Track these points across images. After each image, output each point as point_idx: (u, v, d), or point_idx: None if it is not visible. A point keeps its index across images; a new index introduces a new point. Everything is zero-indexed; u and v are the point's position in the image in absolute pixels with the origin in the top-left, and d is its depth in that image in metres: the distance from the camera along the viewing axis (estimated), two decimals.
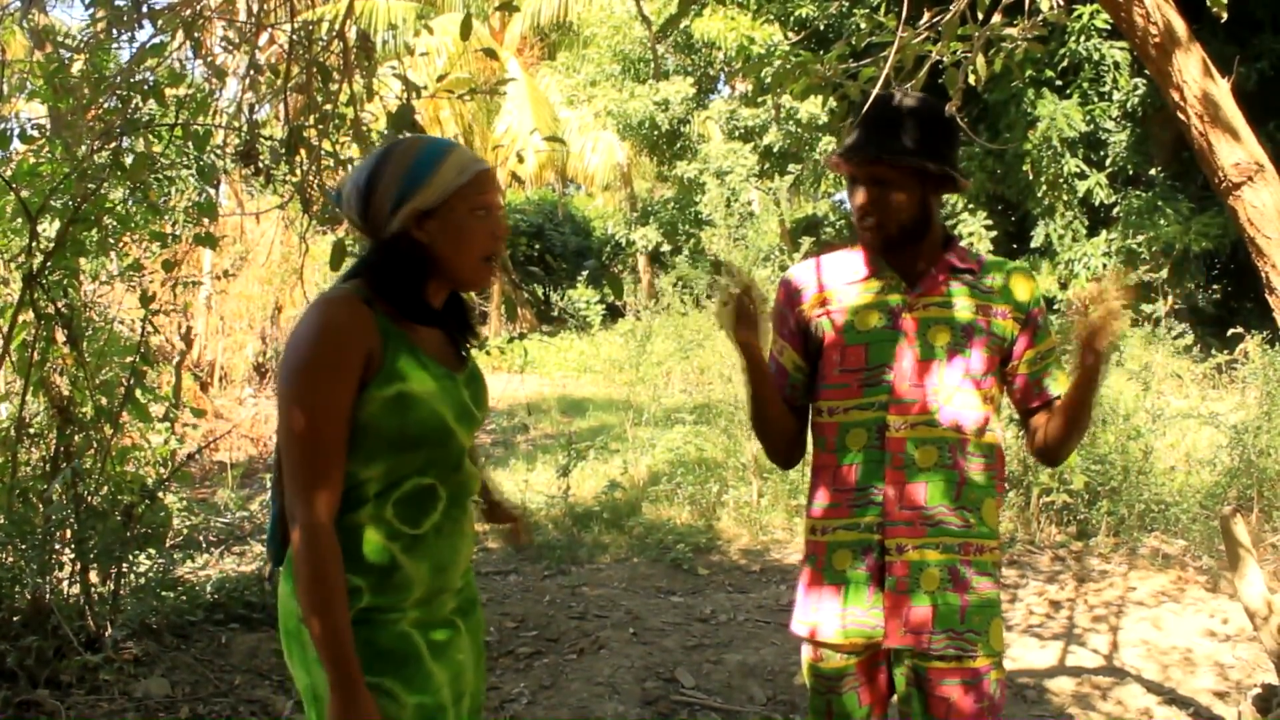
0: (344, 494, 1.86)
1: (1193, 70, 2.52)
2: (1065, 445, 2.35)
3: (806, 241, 10.10)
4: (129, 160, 3.91)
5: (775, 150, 20.72)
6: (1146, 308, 9.59)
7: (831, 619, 2.31)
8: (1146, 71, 2.70)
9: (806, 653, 2.41)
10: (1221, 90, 2.53)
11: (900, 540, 2.25)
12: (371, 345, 1.86)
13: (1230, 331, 8.12)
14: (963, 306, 2.31)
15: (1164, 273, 11.36)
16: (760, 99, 19.46)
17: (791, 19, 16.83)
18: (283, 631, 1.96)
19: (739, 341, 2.28)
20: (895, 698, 2.38)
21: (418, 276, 1.95)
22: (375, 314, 1.89)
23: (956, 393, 2.28)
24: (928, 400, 2.27)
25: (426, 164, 1.91)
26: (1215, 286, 16.64)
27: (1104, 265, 14.43)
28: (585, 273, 26.18)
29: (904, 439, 2.26)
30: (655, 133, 21.97)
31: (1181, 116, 2.59)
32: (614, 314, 21.90)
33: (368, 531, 1.88)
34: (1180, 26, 2.55)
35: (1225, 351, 8.35)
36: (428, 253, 1.93)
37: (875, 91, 2.53)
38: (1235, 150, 2.54)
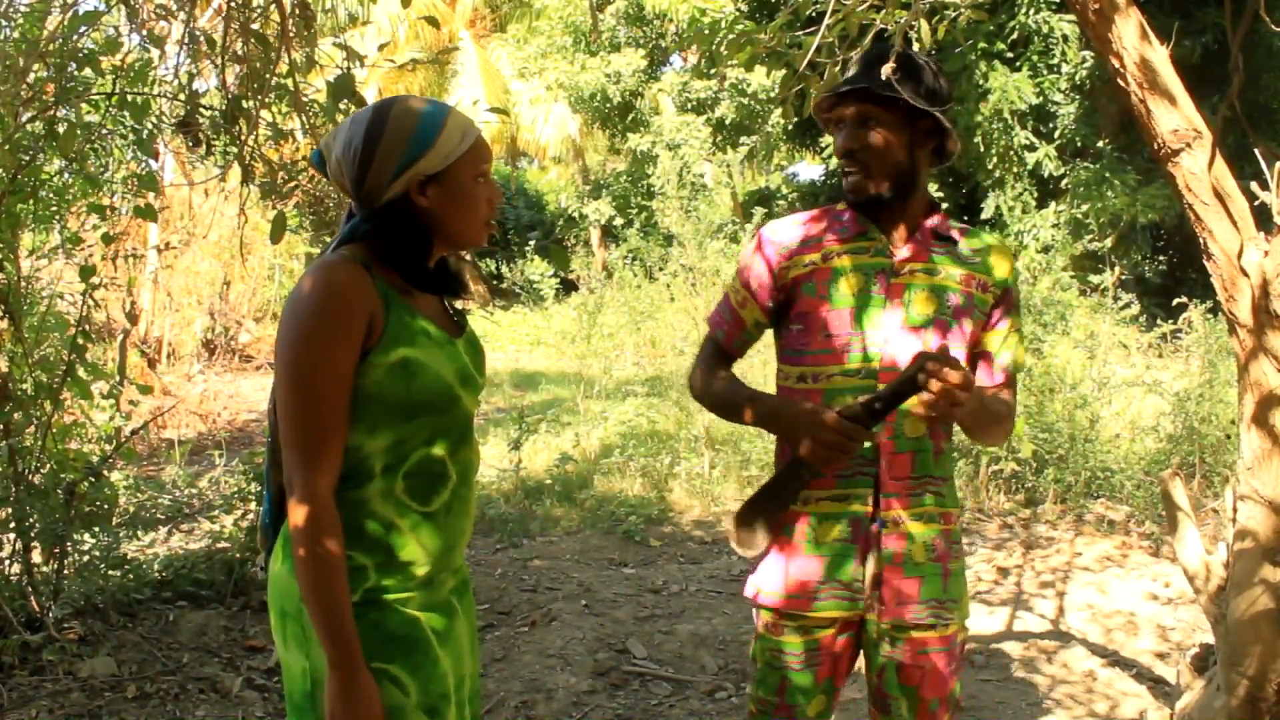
0: (349, 468, 1.80)
1: (1131, 36, 2.53)
2: (976, 438, 2.32)
3: (759, 213, 10.14)
4: (63, 130, 3.82)
5: (728, 123, 20.73)
6: (1094, 278, 9.70)
7: (808, 592, 2.24)
8: None
9: (762, 624, 2.34)
10: (1160, 56, 2.54)
11: (896, 513, 2.20)
12: (373, 310, 1.79)
13: (1175, 301, 8.23)
14: (948, 275, 2.24)
15: (1110, 243, 11.47)
16: (712, 70, 19.47)
17: None
18: (277, 613, 1.88)
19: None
20: (865, 668, 2.34)
21: (421, 242, 1.89)
22: (375, 279, 1.83)
23: None
24: None
25: (430, 129, 1.83)
26: (1161, 257, 16.88)
27: (1053, 236, 14.57)
28: (531, 245, 26.07)
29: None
30: (607, 105, 21.93)
31: (1121, 83, 2.60)
32: (569, 288, 21.88)
33: (376, 507, 1.82)
34: None
35: (1170, 321, 8.46)
36: (430, 218, 1.88)
37: (828, 59, 2.52)
38: (1173, 116, 2.56)
